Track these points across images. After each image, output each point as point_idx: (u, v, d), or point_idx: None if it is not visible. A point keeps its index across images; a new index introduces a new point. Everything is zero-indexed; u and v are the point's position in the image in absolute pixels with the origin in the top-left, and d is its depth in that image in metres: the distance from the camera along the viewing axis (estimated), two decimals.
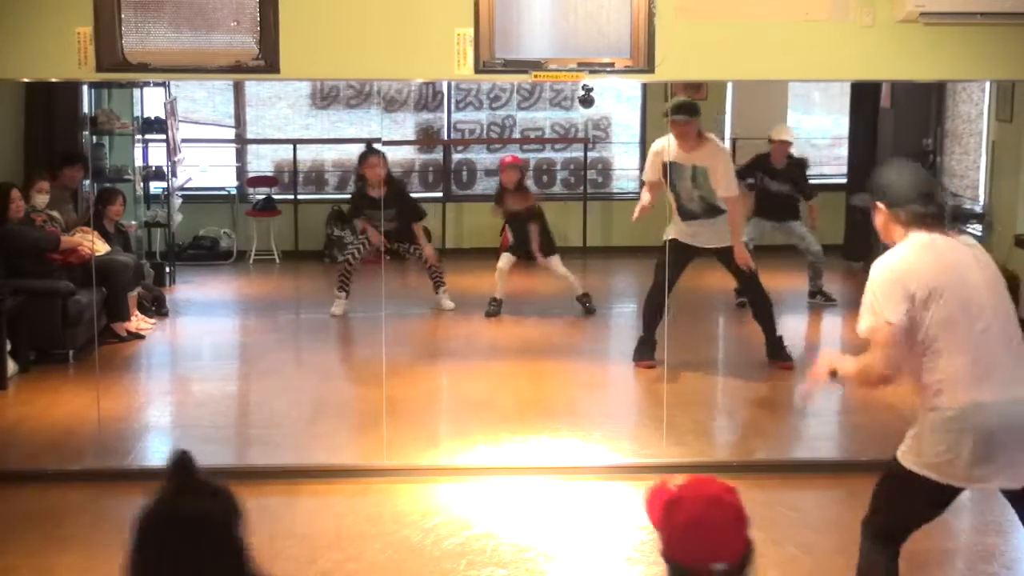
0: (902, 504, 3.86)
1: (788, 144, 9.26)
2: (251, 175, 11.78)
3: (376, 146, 9.82)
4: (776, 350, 7.66)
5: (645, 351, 7.59)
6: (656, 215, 7.59)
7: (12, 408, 7.04)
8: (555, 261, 9.22)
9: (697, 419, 6.74)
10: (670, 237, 7.45)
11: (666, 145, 7.42)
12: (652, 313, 7.46)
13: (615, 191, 12.14)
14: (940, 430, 3.70)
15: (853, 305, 10.74)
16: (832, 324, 9.20)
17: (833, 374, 3.85)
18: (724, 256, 7.53)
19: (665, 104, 7.55)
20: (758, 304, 7.67)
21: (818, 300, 9.29)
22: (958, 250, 3.76)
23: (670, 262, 7.36)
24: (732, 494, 2.60)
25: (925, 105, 10.13)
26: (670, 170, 7.40)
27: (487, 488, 5.73)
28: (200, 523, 2.26)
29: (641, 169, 11.70)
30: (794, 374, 7.71)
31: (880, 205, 3.83)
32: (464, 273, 10.81)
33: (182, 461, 2.32)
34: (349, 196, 9.87)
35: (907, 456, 3.79)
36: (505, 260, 9.27)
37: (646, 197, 7.60)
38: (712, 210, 7.43)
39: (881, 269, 3.73)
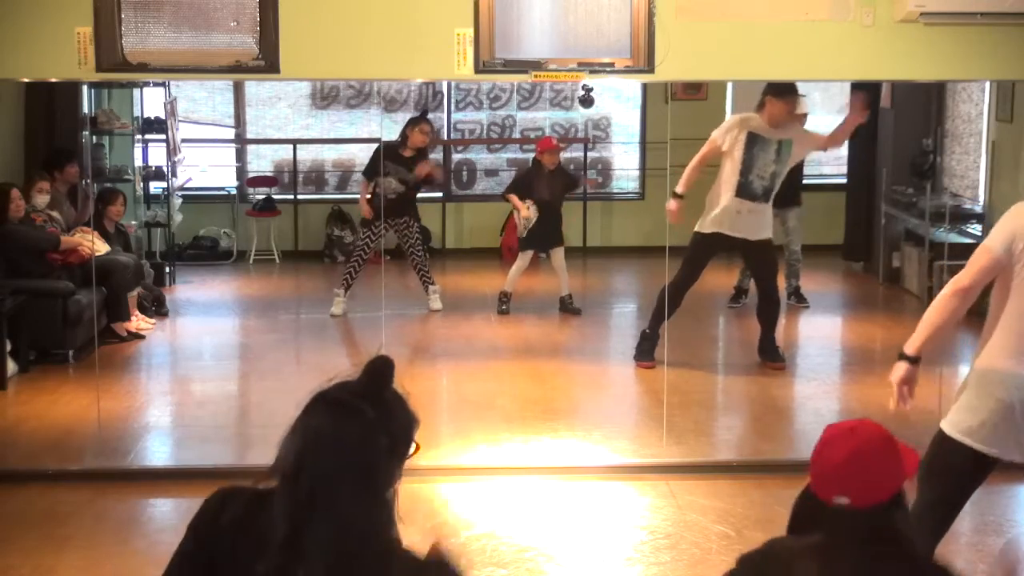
0: (937, 472, 3.84)
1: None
2: (251, 175, 11.78)
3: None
4: (769, 350, 7.67)
5: (647, 349, 7.57)
6: (656, 214, 7.57)
7: (12, 408, 7.04)
8: (561, 253, 9.20)
9: (697, 419, 6.74)
10: (711, 230, 7.39)
11: (750, 118, 7.42)
12: (666, 306, 7.40)
13: (615, 191, 12.14)
14: (975, 388, 3.76)
15: (853, 304, 10.78)
16: (806, 325, 9.18)
17: (904, 358, 3.84)
18: (752, 250, 7.53)
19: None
20: (767, 303, 7.65)
21: (792, 301, 9.24)
22: None
23: (699, 257, 7.42)
24: (880, 439, 2.52)
25: (925, 105, 10.13)
26: (754, 142, 7.34)
27: (487, 488, 5.73)
28: (353, 432, 2.09)
29: (642, 170, 11.81)
30: (793, 375, 7.74)
31: None
32: (464, 273, 10.82)
33: (381, 366, 2.15)
34: (363, 170, 9.79)
35: (946, 419, 3.84)
36: (524, 259, 9.22)
37: (689, 173, 7.45)
38: (769, 195, 7.41)
39: (1012, 208, 3.81)
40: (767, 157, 7.36)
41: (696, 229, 7.44)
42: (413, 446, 2.20)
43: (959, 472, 3.83)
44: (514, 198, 9.15)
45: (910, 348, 3.83)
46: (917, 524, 3.82)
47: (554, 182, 9.17)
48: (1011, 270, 3.71)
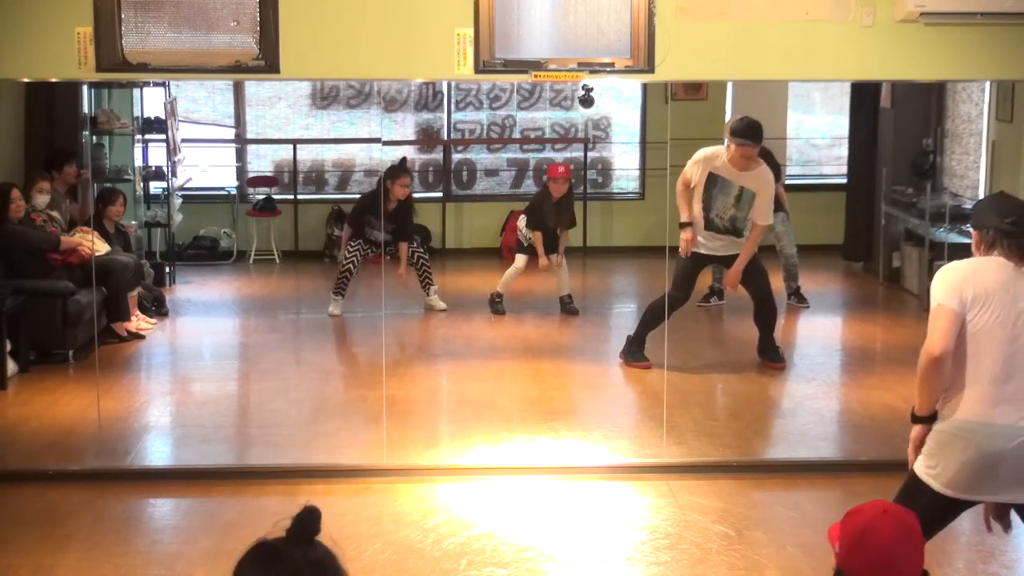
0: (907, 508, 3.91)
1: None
2: (251, 175, 11.78)
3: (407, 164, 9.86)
4: (769, 350, 7.68)
5: (638, 351, 7.59)
6: (656, 214, 7.59)
7: (12, 408, 7.04)
8: (562, 258, 9.24)
9: (697, 419, 6.73)
10: (691, 250, 7.49)
11: (715, 156, 7.40)
12: (655, 319, 7.45)
13: (615, 191, 12.13)
14: (946, 440, 3.78)
15: (852, 304, 10.77)
16: (807, 325, 9.19)
17: (916, 419, 3.90)
18: (733, 263, 7.57)
19: (726, 121, 7.47)
20: (764, 308, 7.65)
21: (792, 301, 9.24)
22: (1020, 279, 3.80)
23: (686, 276, 7.48)
24: (911, 517, 2.81)
25: (925, 105, 10.13)
26: (714, 183, 7.38)
27: (487, 488, 5.73)
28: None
29: (642, 170, 11.81)
30: (793, 375, 7.75)
31: (972, 229, 4.00)
32: (464, 273, 10.83)
33: (307, 515, 2.29)
34: (356, 199, 9.88)
35: (919, 461, 3.87)
36: (521, 260, 9.22)
37: (683, 204, 7.49)
38: (736, 231, 7.47)
39: (942, 270, 3.87)
40: (727, 200, 7.41)
41: (680, 251, 7.50)
42: None
43: (930, 515, 3.86)
44: (534, 235, 9.18)
45: (922, 411, 3.87)
46: None
47: (563, 211, 9.23)
48: (966, 323, 3.75)
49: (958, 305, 3.74)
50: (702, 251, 7.53)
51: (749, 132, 7.26)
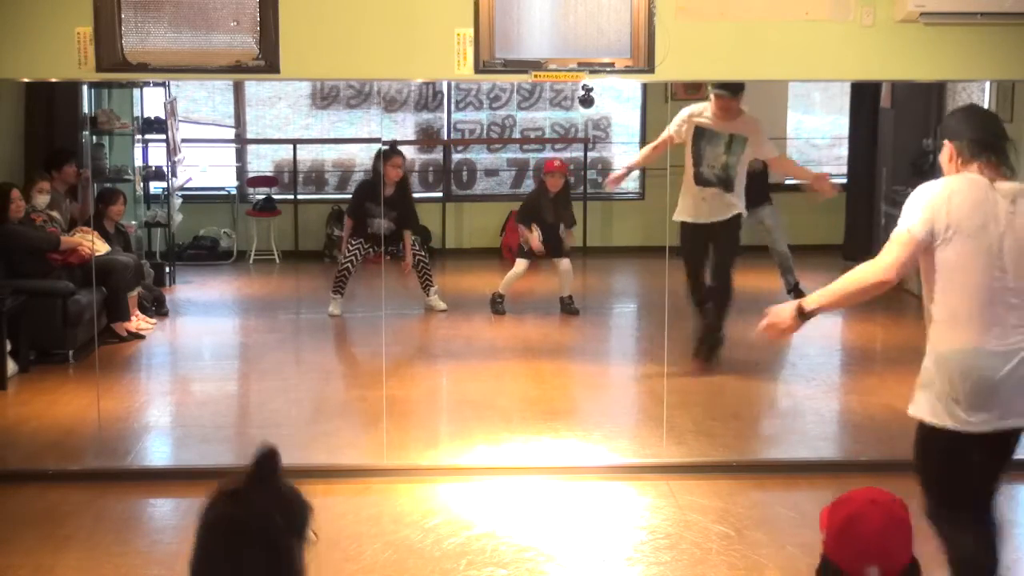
0: (932, 464, 3.82)
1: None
2: (251, 175, 11.79)
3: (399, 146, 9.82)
4: (706, 346, 7.66)
5: (706, 347, 7.61)
6: (656, 214, 7.59)
7: (12, 408, 7.04)
8: (567, 262, 9.23)
9: (697, 419, 6.73)
10: (680, 219, 7.50)
11: (700, 112, 7.46)
12: (698, 303, 7.51)
13: (615, 191, 12.12)
14: (946, 373, 3.71)
15: (853, 304, 10.66)
16: (806, 325, 9.12)
17: (801, 313, 3.82)
18: (716, 231, 7.55)
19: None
20: (719, 293, 7.64)
21: (792, 298, 9.18)
22: (996, 197, 3.72)
23: (691, 249, 7.51)
24: (899, 506, 2.73)
25: (925, 105, 10.13)
26: (701, 135, 7.41)
27: (487, 488, 5.73)
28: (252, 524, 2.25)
29: (642, 170, 11.78)
30: (793, 375, 7.74)
31: (945, 141, 3.87)
32: (464, 273, 10.83)
33: (266, 455, 2.36)
34: (351, 195, 9.88)
35: (914, 406, 3.81)
36: (522, 265, 9.22)
37: (641, 155, 7.62)
38: (727, 183, 7.46)
39: (917, 191, 3.80)
40: (716, 149, 7.43)
41: (674, 217, 7.56)
42: (312, 535, 2.38)
43: (949, 454, 3.76)
44: (523, 229, 9.18)
45: (810, 306, 3.82)
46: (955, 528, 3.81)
47: (560, 206, 9.20)
48: (932, 249, 3.70)
49: (927, 235, 3.69)
50: (693, 221, 7.50)
51: (725, 83, 7.31)
